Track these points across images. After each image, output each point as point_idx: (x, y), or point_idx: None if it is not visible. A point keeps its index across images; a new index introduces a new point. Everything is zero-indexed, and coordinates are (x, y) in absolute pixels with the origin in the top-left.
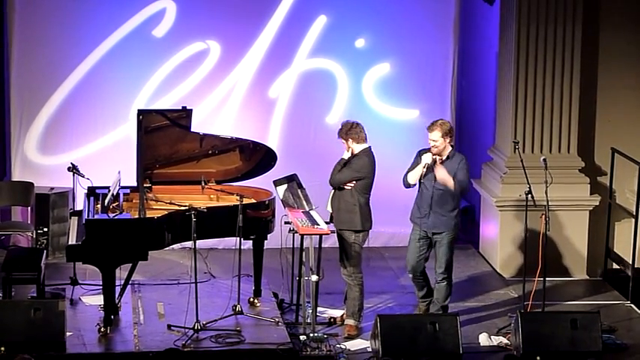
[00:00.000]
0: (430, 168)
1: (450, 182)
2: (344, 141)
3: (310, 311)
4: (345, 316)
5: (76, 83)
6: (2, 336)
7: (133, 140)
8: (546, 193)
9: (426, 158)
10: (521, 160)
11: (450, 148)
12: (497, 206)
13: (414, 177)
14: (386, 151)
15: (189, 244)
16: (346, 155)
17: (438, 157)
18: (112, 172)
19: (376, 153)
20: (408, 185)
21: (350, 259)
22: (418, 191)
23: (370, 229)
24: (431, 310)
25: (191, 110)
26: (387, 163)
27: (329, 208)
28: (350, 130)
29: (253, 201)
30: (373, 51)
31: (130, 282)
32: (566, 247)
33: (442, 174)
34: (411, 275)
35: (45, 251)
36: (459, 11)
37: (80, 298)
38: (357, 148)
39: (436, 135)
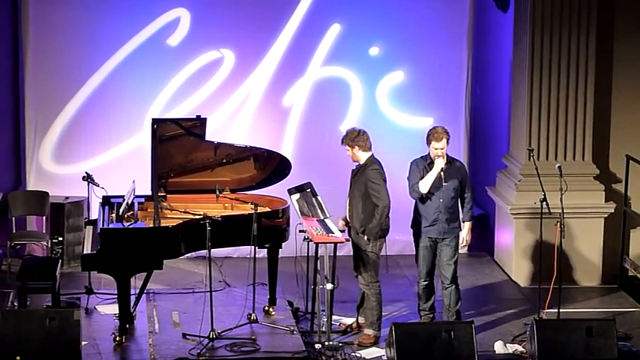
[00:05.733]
0: (438, 175)
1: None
2: (348, 147)
3: (325, 319)
4: (358, 322)
5: (91, 92)
6: (18, 345)
7: (147, 149)
8: (561, 200)
9: (440, 162)
10: (536, 168)
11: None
12: (512, 214)
13: (426, 185)
14: (400, 158)
15: (203, 252)
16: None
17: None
18: (127, 181)
19: (390, 161)
20: (419, 194)
21: (366, 268)
22: (419, 202)
23: (387, 234)
24: (444, 318)
25: (205, 119)
26: (401, 170)
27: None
28: (357, 137)
29: (268, 209)
30: (387, 59)
31: (145, 291)
32: (581, 255)
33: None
34: (425, 282)
35: (60, 260)
36: (472, 19)
37: (95, 307)
38: (363, 156)
39: (444, 143)
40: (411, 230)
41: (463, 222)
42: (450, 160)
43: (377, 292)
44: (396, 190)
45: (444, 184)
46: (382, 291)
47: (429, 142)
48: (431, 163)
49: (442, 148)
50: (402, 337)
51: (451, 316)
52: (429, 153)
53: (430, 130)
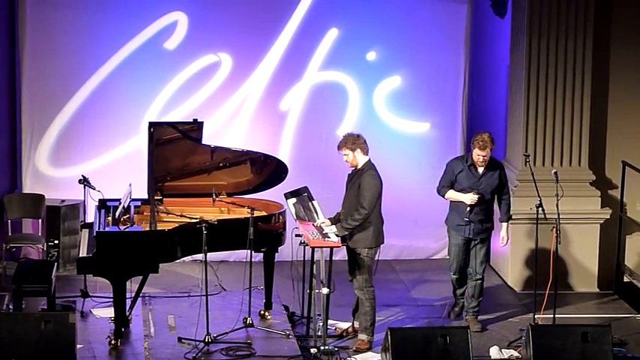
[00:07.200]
0: (475, 175)
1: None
2: (349, 151)
3: (321, 324)
4: (354, 327)
5: (88, 96)
6: (13, 348)
7: (144, 153)
8: (557, 206)
9: (473, 198)
10: (532, 174)
11: None
12: None
13: (452, 198)
14: (397, 163)
15: (200, 256)
16: None
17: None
18: (123, 185)
19: (387, 165)
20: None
21: (361, 273)
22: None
23: (382, 242)
24: (468, 307)
25: (202, 123)
26: (398, 175)
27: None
28: (357, 139)
29: (264, 214)
30: (384, 64)
31: (141, 294)
32: (577, 261)
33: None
34: (455, 276)
35: (56, 263)
36: (470, 24)
37: (91, 311)
38: (362, 160)
39: (488, 151)
40: (445, 226)
41: (501, 222)
42: (490, 163)
43: (371, 297)
44: (392, 195)
45: (480, 186)
46: (378, 296)
47: (472, 147)
48: (471, 165)
49: (485, 156)
50: (398, 342)
51: (474, 307)
52: (469, 154)
53: (476, 135)
